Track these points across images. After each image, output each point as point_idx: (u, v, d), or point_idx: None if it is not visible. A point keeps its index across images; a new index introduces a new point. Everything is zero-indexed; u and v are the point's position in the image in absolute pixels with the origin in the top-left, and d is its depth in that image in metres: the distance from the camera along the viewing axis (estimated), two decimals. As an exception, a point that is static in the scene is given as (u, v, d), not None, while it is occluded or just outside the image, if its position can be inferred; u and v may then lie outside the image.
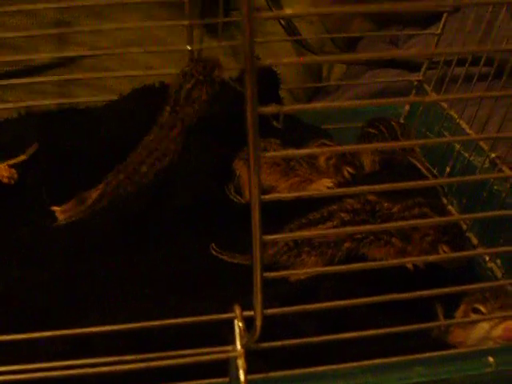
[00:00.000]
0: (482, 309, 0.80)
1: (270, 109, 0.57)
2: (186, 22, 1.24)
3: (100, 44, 1.39)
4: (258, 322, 0.64)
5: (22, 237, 1.03)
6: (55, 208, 1.07)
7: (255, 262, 0.61)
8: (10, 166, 1.10)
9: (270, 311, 0.65)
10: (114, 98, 1.25)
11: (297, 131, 1.18)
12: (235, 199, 1.09)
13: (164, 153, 1.12)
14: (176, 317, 0.69)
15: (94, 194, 1.07)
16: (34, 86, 1.36)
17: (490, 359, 0.69)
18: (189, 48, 1.27)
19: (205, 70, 1.17)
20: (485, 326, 0.78)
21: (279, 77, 1.26)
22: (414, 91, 1.31)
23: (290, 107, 0.55)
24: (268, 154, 0.68)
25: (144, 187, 1.08)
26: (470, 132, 1.12)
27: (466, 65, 1.17)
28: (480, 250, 1.01)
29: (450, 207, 1.11)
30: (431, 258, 0.82)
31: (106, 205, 1.06)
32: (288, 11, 0.57)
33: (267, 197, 0.60)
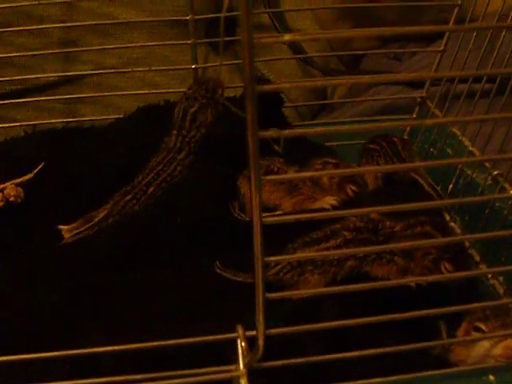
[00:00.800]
0: (483, 327, 0.80)
1: (271, 133, 0.58)
2: (189, 41, 1.26)
3: (106, 62, 1.41)
4: (261, 342, 0.65)
5: (27, 255, 1.03)
6: (62, 227, 1.07)
7: (257, 283, 0.62)
8: (17, 185, 1.10)
9: (272, 331, 0.65)
10: (120, 115, 1.26)
11: (300, 149, 1.18)
12: (239, 217, 1.10)
13: (171, 174, 1.13)
14: (179, 335, 0.70)
15: (101, 214, 1.08)
16: (41, 104, 1.37)
17: (491, 378, 0.70)
18: (193, 67, 1.28)
19: (207, 93, 1.18)
20: (485, 344, 0.78)
21: (282, 95, 1.27)
22: (417, 108, 1.32)
23: (290, 131, 0.56)
24: (269, 177, 0.69)
25: (148, 205, 1.09)
26: (473, 149, 1.13)
27: (469, 82, 1.18)
28: (482, 270, 1.02)
29: (452, 224, 1.12)
30: (432, 277, 0.82)
31: (111, 223, 1.07)
32: (287, 37, 0.57)
33: (269, 219, 0.61)
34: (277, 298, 0.65)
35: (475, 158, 1.09)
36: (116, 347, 0.67)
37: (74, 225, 1.07)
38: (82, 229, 1.07)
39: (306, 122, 1.48)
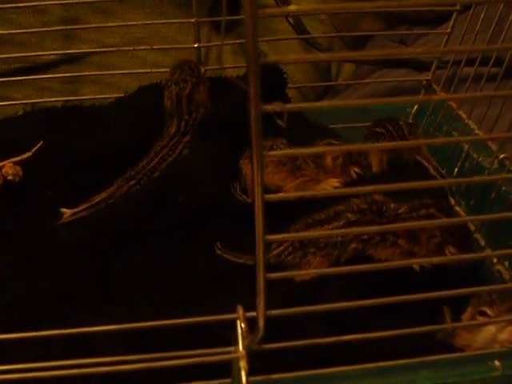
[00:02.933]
0: (489, 311, 0.79)
1: (274, 107, 0.56)
2: (192, 20, 1.23)
3: (107, 41, 1.39)
4: (261, 323, 0.63)
5: (25, 234, 1.02)
6: (65, 210, 1.06)
7: (258, 263, 0.60)
8: (15, 164, 1.09)
9: (273, 312, 0.64)
10: (121, 95, 1.24)
11: (304, 131, 1.17)
12: (241, 198, 1.08)
13: (177, 159, 1.11)
14: (178, 317, 0.68)
15: (103, 195, 1.07)
16: (40, 83, 1.36)
17: (497, 363, 0.68)
18: (196, 46, 1.26)
19: (194, 72, 1.17)
20: (491, 329, 0.77)
21: (286, 76, 1.25)
22: (422, 91, 1.30)
23: (294, 105, 0.54)
24: (272, 153, 0.67)
25: (148, 186, 1.07)
26: (479, 133, 1.11)
27: (476, 65, 1.16)
28: (487, 253, 1.00)
29: (457, 208, 1.10)
30: (437, 259, 0.81)
31: (110, 204, 1.05)
32: (293, 7, 0.55)
33: (271, 196, 0.59)
34: (278, 278, 0.63)
35: (480, 136, 1.07)
36: (112, 327, 0.65)
37: (76, 210, 1.06)
38: (81, 208, 1.05)
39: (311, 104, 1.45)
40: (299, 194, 0.60)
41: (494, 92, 1.07)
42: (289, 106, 0.55)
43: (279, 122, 1.03)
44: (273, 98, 1.15)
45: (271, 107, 0.56)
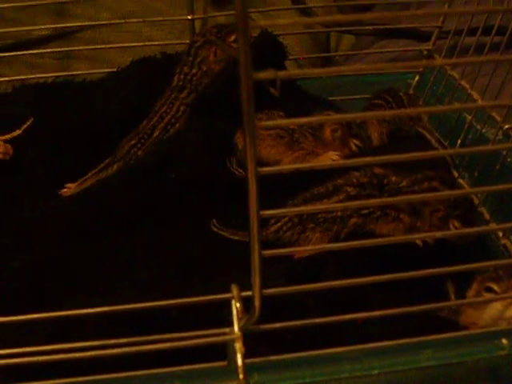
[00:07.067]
0: (495, 288, 0.76)
1: (266, 74, 0.53)
2: (185, -8, 1.21)
3: (100, 16, 1.38)
4: (257, 303, 0.61)
5: (18, 213, 1.01)
6: (70, 185, 1.06)
7: (253, 240, 0.58)
8: (6, 142, 1.07)
9: (269, 291, 0.61)
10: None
11: (302, 103, 1.14)
12: (237, 173, 1.06)
13: (175, 116, 1.11)
14: (171, 297, 0.66)
15: (105, 161, 1.08)
16: (32, 59, 1.34)
17: (504, 341, 0.65)
18: (189, 18, 1.22)
19: (219, 33, 1.14)
20: (498, 306, 0.74)
21: (285, 48, 1.22)
22: (423, 61, 1.27)
23: (287, 72, 0.51)
24: (264, 123, 0.64)
25: (142, 161, 1.06)
26: (482, 103, 1.08)
27: (478, 33, 1.13)
28: (492, 226, 0.97)
29: (461, 181, 1.07)
30: (441, 233, 0.78)
31: (101, 182, 1.04)
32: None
33: (264, 169, 0.56)
34: (273, 255, 0.60)
35: (483, 103, 1.04)
36: (101, 309, 0.63)
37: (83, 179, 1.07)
38: (86, 178, 1.06)
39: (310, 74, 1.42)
40: (294, 166, 0.57)
41: (496, 56, 1.04)
42: (282, 73, 0.51)
43: (272, 90, 1.00)
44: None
45: (263, 74, 0.53)
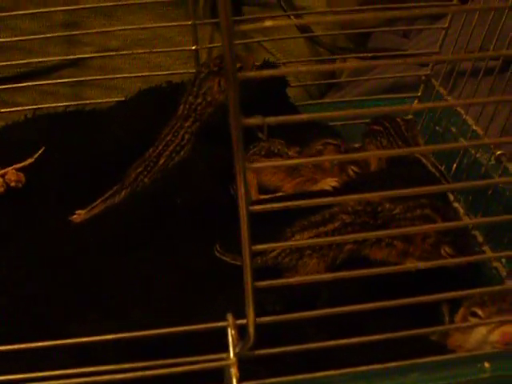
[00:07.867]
0: (480, 312, 0.79)
1: (254, 120, 0.57)
2: (189, 23, 1.24)
3: (110, 44, 1.41)
4: (251, 330, 0.64)
5: (29, 241, 1.03)
6: (79, 211, 1.09)
7: (246, 272, 0.61)
8: (18, 170, 1.09)
9: (262, 319, 0.65)
10: (122, 98, 1.25)
11: (302, 129, 1.17)
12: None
13: (180, 144, 1.14)
14: (173, 324, 0.69)
15: (114, 188, 1.11)
16: (44, 87, 1.37)
17: (486, 365, 0.69)
18: (193, 48, 1.26)
19: (222, 63, 1.16)
20: (482, 330, 0.77)
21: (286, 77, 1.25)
22: (422, 86, 1.31)
23: (274, 119, 0.54)
24: (255, 165, 0.68)
25: (148, 187, 1.10)
26: (476, 128, 1.12)
27: (473, 59, 1.16)
28: (482, 255, 1.00)
29: (456, 204, 1.11)
30: (430, 264, 0.80)
31: (108, 209, 1.07)
32: (268, 23, 0.56)
33: (255, 208, 0.60)
34: (266, 286, 0.64)
35: (481, 141, 1.08)
36: (102, 337, 0.67)
37: (92, 205, 1.10)
38: (97, 203, 1.09)
39: (311, 102, 1.45)
40: (284, 204, 0.61)
41: (486, 98, 1.08)
42: (269, 119, 0.55)
43: (259, 134, 1.04)
44: (273, 98, 1.17)
45: (252, 121, 0.57)
